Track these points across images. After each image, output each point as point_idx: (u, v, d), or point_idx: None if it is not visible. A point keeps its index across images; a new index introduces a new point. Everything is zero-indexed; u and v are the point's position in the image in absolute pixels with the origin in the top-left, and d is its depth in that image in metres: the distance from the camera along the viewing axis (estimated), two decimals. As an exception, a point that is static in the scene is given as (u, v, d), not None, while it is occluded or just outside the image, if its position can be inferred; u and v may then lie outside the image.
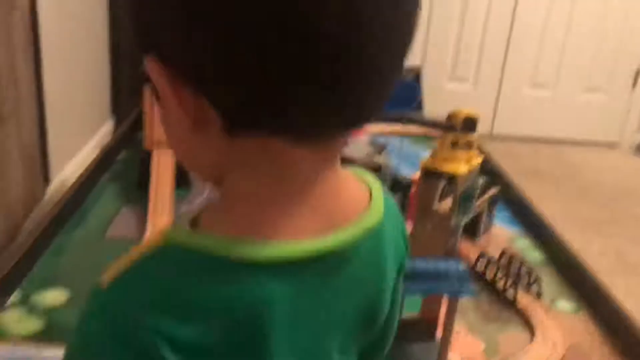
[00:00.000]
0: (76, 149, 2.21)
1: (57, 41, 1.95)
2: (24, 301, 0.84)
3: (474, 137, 0.99)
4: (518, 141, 3.19)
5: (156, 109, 1.44)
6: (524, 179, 1.35)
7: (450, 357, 0.78)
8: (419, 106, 2.59)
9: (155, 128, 1.29)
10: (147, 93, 1.18)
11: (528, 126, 3.24)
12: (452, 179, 0.98)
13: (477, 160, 1.02)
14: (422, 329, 0.80)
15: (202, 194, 1.22)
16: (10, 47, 1.52)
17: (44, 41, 1.74)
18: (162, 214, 1.06)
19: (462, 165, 0.98)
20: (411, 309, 0.80)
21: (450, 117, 0.97)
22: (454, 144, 0.98)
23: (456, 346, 0.82)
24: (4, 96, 1.49)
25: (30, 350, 0.75)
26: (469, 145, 0.99)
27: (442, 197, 1.11)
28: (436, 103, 2.89)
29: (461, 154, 0.99)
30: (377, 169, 1.02)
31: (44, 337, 0.78)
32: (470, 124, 0.97)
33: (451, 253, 1.03)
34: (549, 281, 1.01)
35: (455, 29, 3.07)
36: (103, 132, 2.53)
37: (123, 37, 2.55)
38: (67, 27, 2.06)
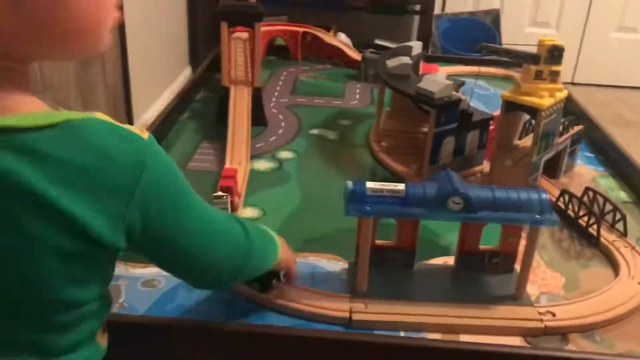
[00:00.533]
0: (156, 94, 2.29)
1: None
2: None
3: (559, 68, 0.94)
4: (602, 89, 3.02)
5: (233, 47, 1.45)
6: (609, 127, 1.28)
7: (528, 290, 0.77)
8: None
9: (232, 66, 1.31)
10: (223, 33, 1.19)
11: (613, 73, 3.05)
12: (534, 111, 0.94)
13: (562, 94, 0.98)
14: (500, 260, 0.79)
15: (278, 131, 1.24)
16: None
17: (124, -14, 1.79)
18: (239, 147, 1.09)
19: (546, 98, 0.94)
20: (489, 240, 0.78)
21: (537, 46, 0.92)
22: (538, 76, 0.93)
23: (535, 279, 0.81)
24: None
25: (119, 268, 0.79)
26: (554, 77, 0.94)
27: (523, 133, 1.08)
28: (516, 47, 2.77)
29: (545, 86, 0.94)
30: (457, 103, 0.99)
31: (130, 256, 0.82)
32: (556, 54, 0.92)
33: (531, 190, 1.00)
34: (634, 221, 0.96)
35: (537, -30, 2.90)
36: (181, 80, 2.60)
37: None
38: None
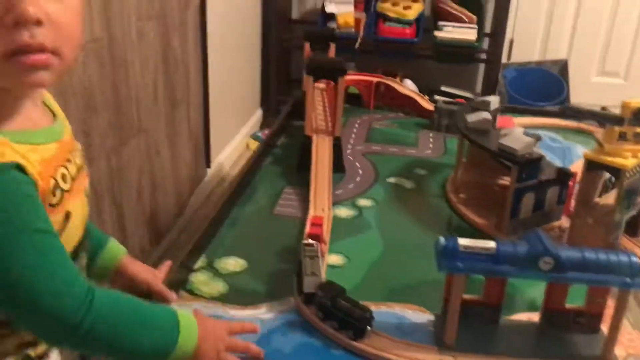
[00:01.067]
0: (231, 135, 2.41)
1: (220, 37, 2.12)
2: (209, 266, 0.95)
3: (644, 130, 0.96)
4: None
5: (322, 100, 1.53)
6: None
7: (615, 351, 0.77)
8: (565, 99, 2.48)
9: (314, 116, 1.38)
10: (309, 85, 1.26)
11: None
12: (617, 172, 0.96)
13: (646, 155, 0.99)
14: (586, 320, 0.80)
15: (356, 178, 1.29)
16: (184, 40, 1.68)
17: (210, 37, 1.91)
18: (322, 194, 1.14)
19: (630, 158, 0.95)
20: (575, 299, 0.80)
21: (621, 107, 0.94)
22: (622, 137, 0.95)
23: (621, 340, 0.81)
24: (178, 83, 1.66)
25: (218, 309, 0.84)
26: (638, 139, 0.96)
27: (604, 190, 1.09)
28: (583, 97, 2.76)
29: (629, 146, 0.96)
30: (538, 160, 1.02)
31: (227, 298, 0.87)
32: (641, 116, 0.94)
33: (613, 249, 1.01)
34: None
35: (605, 23, 2.90)
36: (253, 122, 2.72)
37: (272, 40, 2.72)
38: (228, 26, 2.24)
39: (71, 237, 0.63)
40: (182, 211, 1.78)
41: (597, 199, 1.08)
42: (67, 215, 0.61)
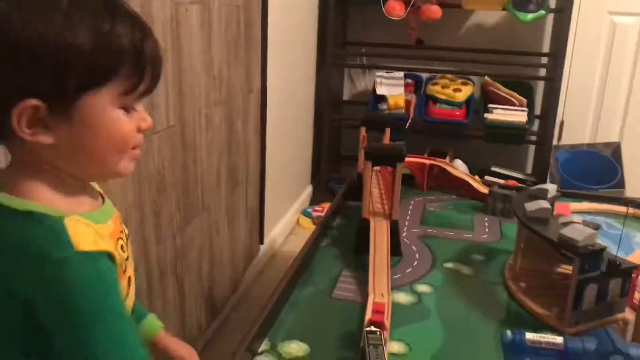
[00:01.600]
0: (283, 211, 2.46)
1: (278, 119, 2.23)
2: (272, 349, 0.96)
3: None
4: None
5: (377, 183, 1.57)
6: None
7: None
8: (620, 183, 2.46)
9: (371, 199, 1.42)
10: (367, 171, 1.30)
11: None
12: (685, 266, 0.95)
13: None
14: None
15: (413, 262, 1.30)
16: (246, 124, 1.78)
17: (269, 119, 2.01)
18: (380, 278, 1.15)
19: (697, 252, 0.94)
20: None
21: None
22: (688, 231, 0.95)
23: None
24: (239, 164, 1.74)
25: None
26: None
27: (670, 284, 1.07)
28: (638, 179, 2.73)
29: (696, 240, 0.95)
30: (601, 251, 1.02)
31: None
32: None
33: (682, 345, 0.98)
34: None
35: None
36: (303, 198, 2.79)
37: (324, 120, 2.83)
38: (285, 107, 2.35)
39: (130, 301, 0.70)
40: (237, 287, 1.82)
41: (663, 293, 1.06)
42: (129, 280, 0.69)
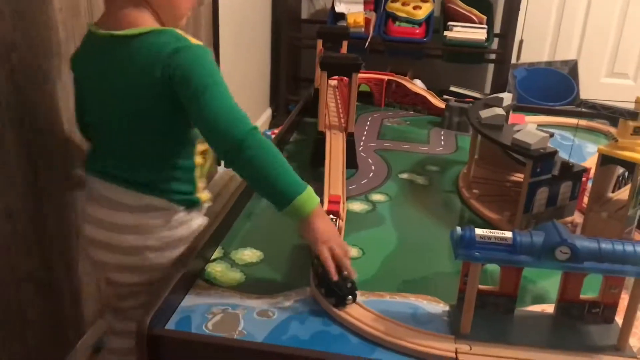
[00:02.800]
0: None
1: (231, 36, 2.14)
2: (225, 256, 0.96)
3: (658, 125, 0.96)
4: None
5: (335, 98, 1.54)
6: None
7: (630, 342, 0.78)
8: (575, 100, 2.48)
9: (327, 113, 1.39)
10: (323, 81, 1.27)
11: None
12: (632, 166, 0.96)
13: (660, 150, 1.00)
14: (600, 310, 0.81)
15: (369, 174, 1.30)
16: (196, 39, 1.69)
17: (221, 35, 1.93)
18: (336, 189, 1.14)
19: (644, 153, 0.96)
20: (589, 290, 0.80)
21: (635, 103, 0.95)
22: (636, 132, 0.96)
23: (635, 332, 0.82)
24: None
25: (235, 298, 0.86)
26: (652, 133, 0.96)
27: (616, 186, 1.10)
28: (592, 97, 2.76)
29: (643, 141, 0.97)
30: (552, 154, 1.02)
31: (244, 288, 0.88)
32: (655, 111, 0.94)
33: (626, 242, 1.01)
34: None
35: (615, 24, 2.90)
36: (262, 120, 2.73)
37: (282, 40, 2.73)
38: (239, 25, 2.25)
39: None
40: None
41: (610, 194, 1.08)
42: None
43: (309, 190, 0.85)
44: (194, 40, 0.86)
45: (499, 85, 2.69)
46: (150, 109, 0.87)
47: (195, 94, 0.83)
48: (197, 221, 0.97)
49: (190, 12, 0.94)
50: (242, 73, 2.36)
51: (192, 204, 0.95)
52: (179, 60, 0.83)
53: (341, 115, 1.44)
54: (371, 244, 1.01)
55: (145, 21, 0.87)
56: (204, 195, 0.98)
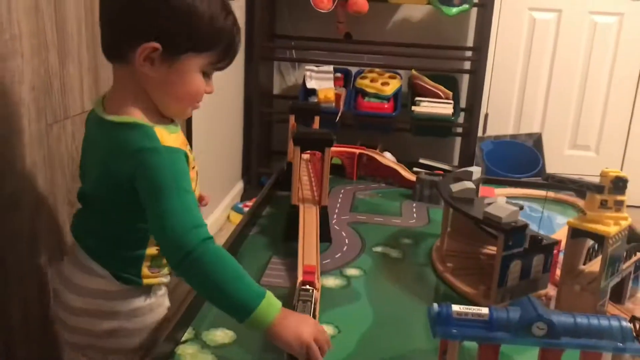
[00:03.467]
0: (211, 208, 2.40)
1: (203, 111, 2.16)
2: (197, 338, 0.92)
3: (623, 198, 0.99)
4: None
5: (307, 171, 1.55)
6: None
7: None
8: (541, 171, 2.55)
9: (300, 187, 1.40)
10: (296, 156, 1.28)
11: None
12: (601, 239, 0.98)
13: (626, 222, 1.02)
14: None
15: (342, 248, 1.29)
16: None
17: (195, 113, 1.95)
18: (310, 262, 1.13)
19: (612, 226, 0.98)
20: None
21: (600, 177, 0.98)
22: (603, 205, 0.98)
23: (616, 408, 0.80)
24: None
25: None
26: (618, 206, 0.99)
27: (587, 258, 1.11)
28: (557, 169, 2.85)
29: (610, 214, 0.99)
30: (524, 227, 1.03)
31: (216, 370, 0.85)
32: (620, 184, 0.97)
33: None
34: None
35: (575, 99, 3.04)
36: (234, 193, 2.73)
37: (254, 114, 2.78)
38: (211, 100, 2.29)
39: (197, 190, 0.97)
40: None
41: (582, 267, 1.09)
42: (196, 174, 0.98)
43: (268, 297, 0.83)
44: (167, 142, 0.85)
45: (467, 157, 2.76)
46: (112, 193, 0.90)
47: (151, 197, 0.83)
48: (146, 300, 0.99)
49: (197, 103, 0.93)
50: (213, 146, 2.38)
51: (137, 285, 0.97)
52: (142, 159, 0.84)
53: (314, 189, 1.44)
54: (347, 321, 0.99)
55: (132, 112, 0.88)
56: (152, 280, 0.98)
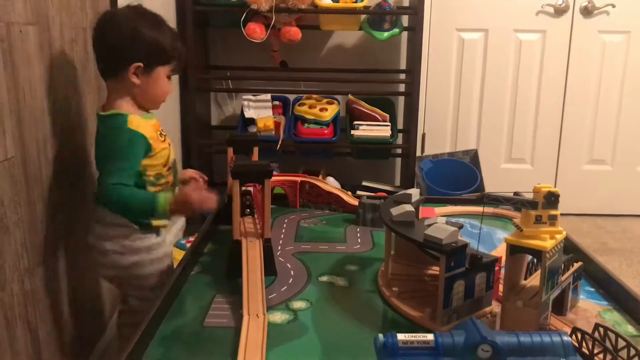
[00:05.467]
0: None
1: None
2: None
3: (557, 212, 1.01)
4: (582, 218, 3.15)
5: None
6: (595, 255, 1.34)
7: None
8: (480, 186, 2.61)
9: (242, 220, 1.37)
10: (236, 191, 1.26)
11: (589, 203, 3.20)
12: (538, 253, 1.00)
13: (561, 235, 1.04)
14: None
15: (288, 280, 1.27)
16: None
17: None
18: (255, 299, 1.11)
19: (548, 240, 1.00)
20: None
21: (533, 193, 1.00)
22: (538, 220, 1.00)
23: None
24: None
25: None
26: (552, 221, 1.01)
27: (528, 273, 1.13)
28: (495, 182, 2.93)
29: (546, 229, 1.01)
30: (464, 247, 1.04)
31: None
32: (552, 199, 1.00)
33: (544, 329, 1.03)
34: (648, 355, 0.98)
35: (507, 114, 3.14)
36: (176, 230, 2.65)
37: (192, 147, 2.74)
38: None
39: (164, 156, 1.40)
40: (105, 330, 1.67)
41: (523, 282, 1.11)
42: (169, 145, 1.43)
43: (159, 197, 1.32)
44: (136, 128, 1.32)
45: (408, 177, 2.80)
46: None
47: (106, 157, 1.33)
48: (153, 240, 1.42)
49: (164, 98, 1.44)
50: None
51: (145, 226, 1.40)
52: (112, 133, 1.32)
53: (257, 222, 1.42)
54: (295, 356, 0.97)
55: (120, 106, 1.35)
56: (158, 222, 1.42)
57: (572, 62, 3.04)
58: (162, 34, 1.35)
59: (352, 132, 2.69)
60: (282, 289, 1.23)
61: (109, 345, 1.69)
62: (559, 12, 3.00)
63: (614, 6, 2.96)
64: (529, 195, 1.04)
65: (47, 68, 1.32)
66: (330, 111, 2.72)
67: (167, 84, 1.40)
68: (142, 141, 1.31)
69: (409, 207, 1.20)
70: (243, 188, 1.41)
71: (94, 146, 1.36)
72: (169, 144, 1.42)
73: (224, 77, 3.00)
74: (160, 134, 1.39)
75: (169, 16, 2.61)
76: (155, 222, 1.40)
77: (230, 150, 1.61)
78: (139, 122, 1.32)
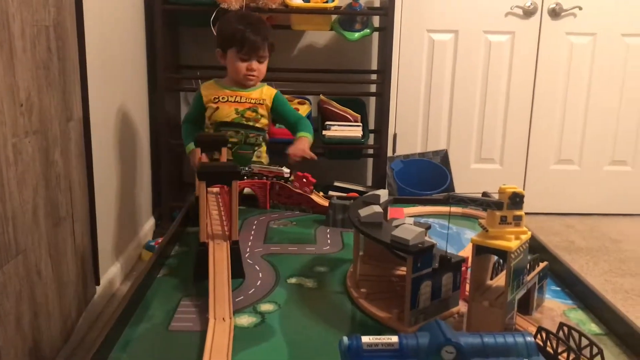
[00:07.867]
0: (122, 247, 2.29)
1: (106, 148, 2.07)
2: None
3: (521, 212, 1.02)
4: (550, 217, 3.20)
5: (217, 205, 1.51)
6: (562, 254, 1.36)
7: None
8: (450, 186, 2.63)
9: (209, 222, 1.35)
10: (202, 192, 1.24)
11: (557, 202, 3.25)
12: (503, 254, 1.00)
13: (526, 236, 1.05)
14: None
15: (256, 282, 1.26)
16: (68, 155, 1.62)
17: (95, 148, 1.86)
18: (222, 303, 1.09)
19: (513, 240, 1.01)
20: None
21: (498, 193, 1.00)
22: (503, 220, 1.01)
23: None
24: (62, 198, 1.58)
25: None
26: (517, 221, 1.02)
27: (494, 273, 1.13)
28: (465, 182, 2.95)
29: (511, 229, 1.02)
30: (430, 248, 1.05)
31: None
32: (517, 200, 1.00)
33: (510, 329, 1.04)
34: (609, 353, 1.00)
35: (476, 114, 3.17)
36: (145, 231, 2.62)
37: (161, 145, 2.70)
38: (114, 136, 2.20)
39: (222, 116, 2.01)
40: (69, 336, 1.64)
41: (489, 282, 1.12)
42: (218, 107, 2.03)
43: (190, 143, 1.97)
44: (209, 90, 2.01)
45: (379, 177, 2.80)
46: None
47: None
48: None
49: (246, 74, 1.97)
50: (119, 182, 2.28)
51: None
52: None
53: (224, 224, 1.41)
54: (261, 360, 0.96)
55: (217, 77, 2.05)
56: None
57: (541, 63, 3.09)
58: (228, 25, 1.95)
59: (324, 132, 2.68)
60: (250, 292, 1.21)
61: (76, 350, 1.66)
62: (528, 13, 3.04)
63: (580, 8, 3.01)
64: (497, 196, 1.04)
65: (8, 67, 1.29)
66: (301, 111, 2.70)
67: (238, 64, 1.95)
68: (199, 99, 2.00)
69: (377, 208, 1.20)
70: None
71: (58, 147, 1.32)
72: (217, 108, 1.99)
73: (194, 77, 2.97)
74: (217, 100, 1.98)
75: (137, 14, 2.57)
76: None
77: (198, 151, 1.59)
78: (208, 87, 2.02)
